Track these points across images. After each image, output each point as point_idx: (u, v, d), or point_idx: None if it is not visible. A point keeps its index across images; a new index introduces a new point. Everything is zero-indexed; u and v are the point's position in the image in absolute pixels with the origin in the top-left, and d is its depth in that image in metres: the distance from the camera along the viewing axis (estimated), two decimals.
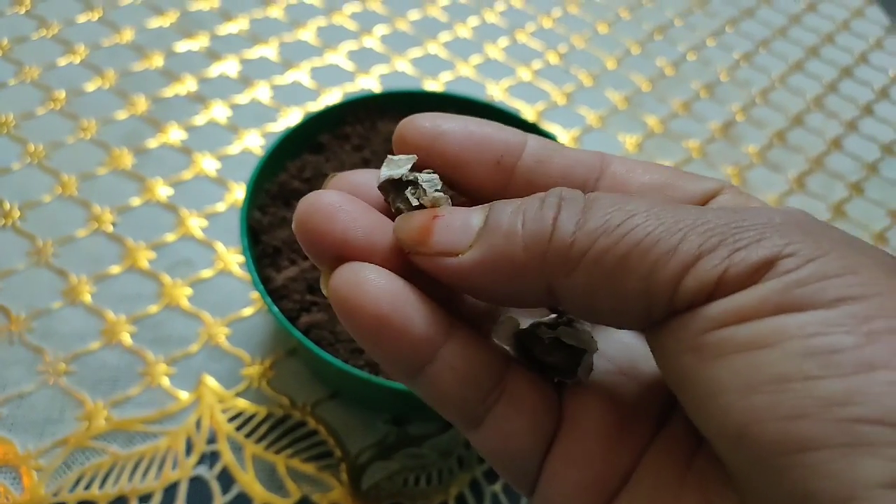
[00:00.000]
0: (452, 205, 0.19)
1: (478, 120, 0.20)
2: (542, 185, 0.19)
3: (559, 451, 0.18)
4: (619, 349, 0.20)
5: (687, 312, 0.15)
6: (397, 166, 0.19)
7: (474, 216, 0.17)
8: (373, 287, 0.17)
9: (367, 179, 0.20)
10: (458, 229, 0.17)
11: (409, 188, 0.18)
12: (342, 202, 0.18)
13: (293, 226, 0.18)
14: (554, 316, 0.19)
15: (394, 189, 0.19)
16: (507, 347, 0.19)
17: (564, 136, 0.50)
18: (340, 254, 0.18)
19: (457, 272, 0.17)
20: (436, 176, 0.19)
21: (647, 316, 0.16)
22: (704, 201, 0.19)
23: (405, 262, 0.18)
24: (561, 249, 0.16)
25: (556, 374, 0.19)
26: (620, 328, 0.18)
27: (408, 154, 0.19)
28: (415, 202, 0.18)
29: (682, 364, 0.15)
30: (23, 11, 0.51)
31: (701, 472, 0.17)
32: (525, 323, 0.19)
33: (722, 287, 0.15)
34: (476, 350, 0.18)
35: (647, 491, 0.17)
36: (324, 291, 0.18)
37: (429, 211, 0.18)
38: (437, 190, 0.18)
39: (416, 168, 0.19)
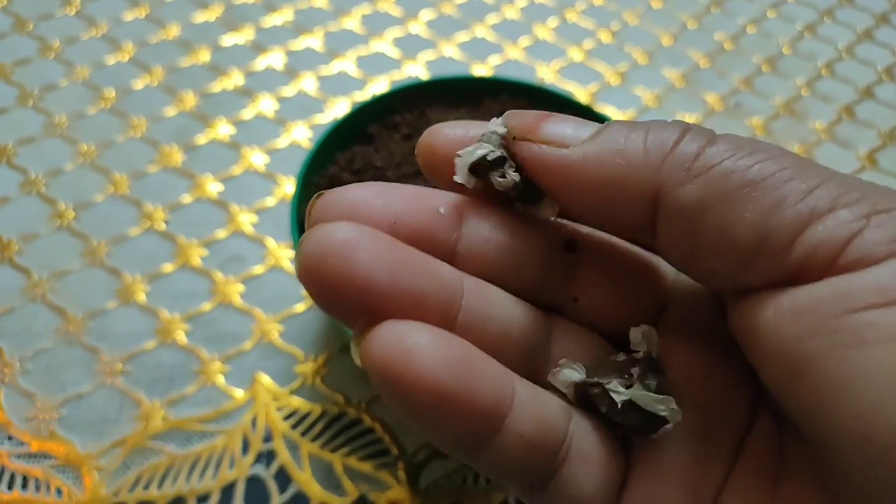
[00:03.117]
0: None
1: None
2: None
3: (635, 498, 0.16)
4: (690, 374, 0.18)
5: (811, 286, 0.13)
6: (488, 139, 0.17)
7: (590, 124, 0.17)
8: (427, 355, 0.14)
9: (367, 196, 0.16)
10: (573, 126, 0.16)
11: (500, 168, 0.17)
12: (360, 238, 0.14)
13: (297, 272, 0.15)
14: (623, 359, 0.17)
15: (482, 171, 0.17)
16: (566, 392, 0.17)
17: (620, 117, 0.48)
18: (369, 307, 0.14)
19: (564, 164, 0.16)
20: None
21: (749, 262, 0.14)
22: None
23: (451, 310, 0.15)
24: (685, 157, 0.15)
25: (626, 432, 0.17)
26: (709, 282, 0.16)
27: (431, 166, 0.18)
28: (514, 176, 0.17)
29: (805, 350, 0.13)
30: (73, 13, 0.51)
31: (793, 494, 0.15)
32: (583, 371, 0.17)
33: (853, 253, 0.13)
34: (542, 409, 0.16)
35: None
36: (354, 358, 0.15)
37: (543, 112, 0.17)
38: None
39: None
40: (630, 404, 0.16)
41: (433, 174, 0.18)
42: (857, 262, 0.13)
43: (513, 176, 0.17)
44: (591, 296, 0.18)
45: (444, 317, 0.15)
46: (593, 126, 0.16)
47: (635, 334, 0.17)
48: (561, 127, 0.16)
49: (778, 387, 0.15)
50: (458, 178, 0.17)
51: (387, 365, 0.14)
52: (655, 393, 0.16)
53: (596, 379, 0.16)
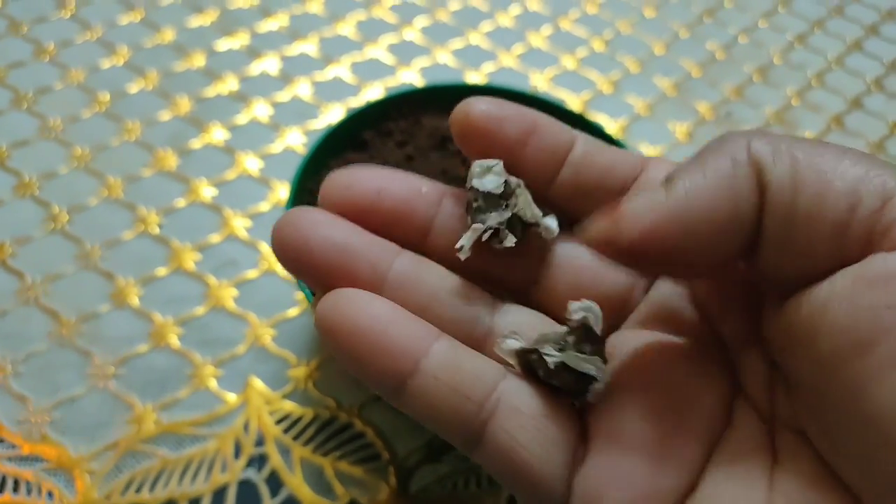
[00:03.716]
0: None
1: (534, 112, 0.20)
2: (587, 179, 0.20)
3: (593, 470, 0.17)
4: (654, 359, 0.19)
5: (888, 254, 0.14)
6: (489, 173, 0.19)
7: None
8: (352, 311, 0.17)
9: (364, 174, 0.20)
10: (642, 196, 0.17)
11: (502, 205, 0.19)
12: (318, 223, 0.19)
13: (272, 245, 0.19)
14: (564, 331, 0.18)
15: (483, 199, 0.19)
16: (513, 364, 0.18)
17: (611, 125, 0.48)
18: (314, 274, 0.19)
19: (664, 212, 0.16)
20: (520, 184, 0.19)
21: (842, 234, 0.15)
22: None
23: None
24: (771, 142, 0.16)
25: (564, 396, 0.18)
26: (797, 270, 0.16)
27: (466, 137, 0.19)
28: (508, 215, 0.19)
29: (883, 320, 0.13)
30: (67, 16, 0.52)
31: (792, 482, 0.15)
32: (530, 340, 0.18)
33: None
34: (463, 360, 0.17)
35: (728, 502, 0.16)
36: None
37: (610, 208, 0.17)
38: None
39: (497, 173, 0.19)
40: (563, 366, 0.17)
41: (465, 142, 0.19)
42: None
43: (509, 242, 0.19)
44: (553, 281, 0.20)
45: (373, 279, 0.19)
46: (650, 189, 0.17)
47: (574, 305, 0.18)
48: (636, 207, 0.17)
49: (830, 365, 0.14)
50: (459, 250, 0.19)
51: (323, 321, 0.17)
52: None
53: (534, 346, 0.18)
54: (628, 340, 0.19)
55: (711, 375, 0.18)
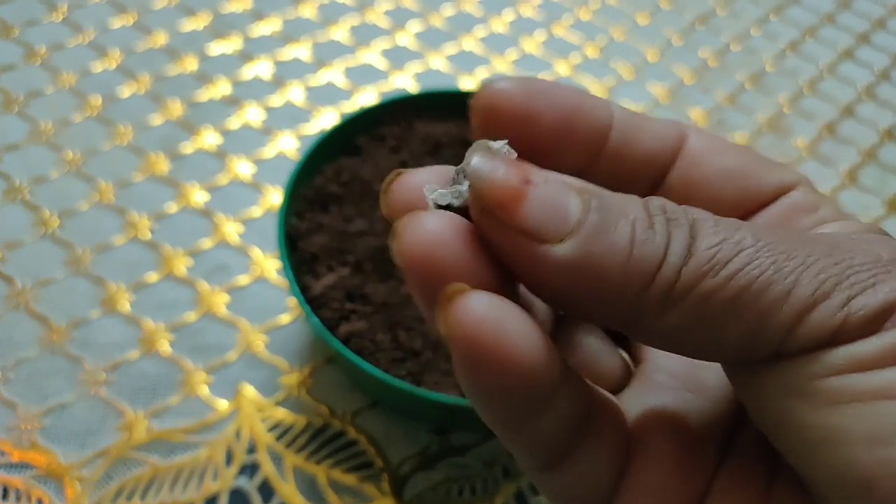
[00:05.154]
0: None
1: (564, 88, 0.17)
2: (627, 166, 0.18)
3: (632, 481, 0.17)
4: (680, 362, 0.19)
5: (794, 357, 0.14)
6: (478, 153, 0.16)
7: (572, 200, 0.14)
8: (519, 332, 0.14)
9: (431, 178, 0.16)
10: (554, 211, 0.14)
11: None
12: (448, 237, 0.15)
13: (394, 254, 0.15)
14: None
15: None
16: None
17: None
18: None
19: (541, 264, 0.14)
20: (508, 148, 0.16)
21: (745, 357, 0.15)
22: (777, 195, 0.18)
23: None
24: (664, 286, 0.14)
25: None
26: (708, 361, 0.16)
27: (490, 127, 0.16)
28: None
29: (788, 408, 0.14)
30: (59, 19, 0.51)
31: (786, 498, 0.16)
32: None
33: (839, 336, 0.14)
34: (578, 386, 0.16)
35: None
36: (439, 322, 0.14)
37: (520, 166, 0.15)
38: None
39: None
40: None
41: (489, 132, 0.17)
42: (839, 341, 0.14)
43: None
44: None
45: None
46: (575, 202, 0.14)
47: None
48: (541, 211, 0.14)
49: (764, 432, 0.15)
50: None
51: (475, 335, 0.14)
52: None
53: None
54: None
55: (724, 381, 0.18)
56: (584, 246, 0.14)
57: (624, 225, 0.14)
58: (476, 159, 0.14)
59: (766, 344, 0.14)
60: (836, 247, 0.15)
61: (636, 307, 0.14)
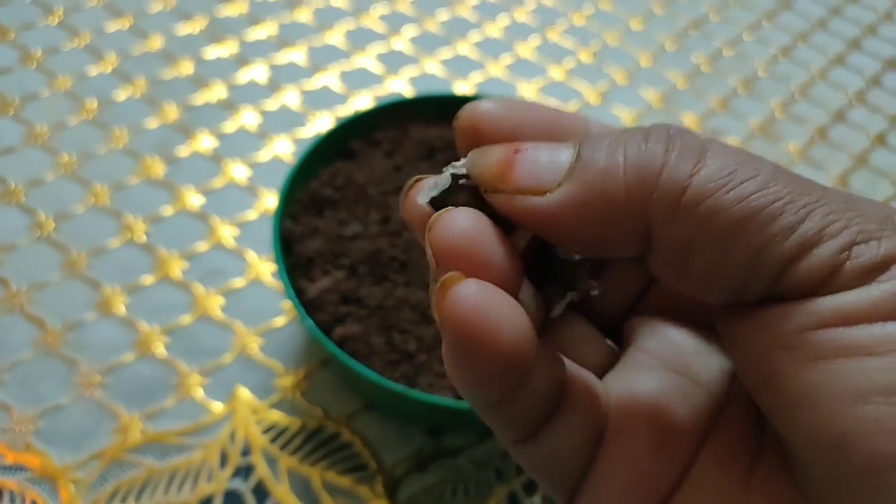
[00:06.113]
0: None
1: (541, 105, 0.18)
2: None
3: (606, 453, 0.17)
4: (667, 347, 0.19)
5: (784, 304, 0.14)
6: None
7: (562, 151, 0.16)
8: (507, 319, 0.15)
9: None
10: (545, 165, 0.15)
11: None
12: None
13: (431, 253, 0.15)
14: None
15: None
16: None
17: None
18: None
19: (543, 214, 0.15)
20: None
21: (740, 290, 0.15)
22: None
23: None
24: (671, 193, 0.14)
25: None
26: (701, 297, 0.16)
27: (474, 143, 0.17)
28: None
29: (772, 361, 0.14)
30: (55, 23, 0.51)
31: (767, 478, 0.16)
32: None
33: (834, 280, 0.14)
34: (553, 365, 0.17)
35: (709, 494, 0.16)
36: (435, 307, 0.15)
37: (509, 145, 0.16)
38: None
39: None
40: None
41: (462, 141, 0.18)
42: (831, 288, 0.14)
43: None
44: None
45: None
46: (567, 152, 0.16)
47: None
48: (532, 169, 0.15)
49: (750, 391, 0.16)
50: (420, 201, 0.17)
51: (466, 321, 0.15)
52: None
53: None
54: (642, 326, 0.19)
55: (715, 356, 0.18)
56: (580, 178, 0.15)
57: (612, 147, 0.15)
58: (470, 155, 0.16)
59: (764, 275, 0.14)
60: (851, 198, 0.15)
61: (644, 221, 0.15)
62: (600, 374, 0.19)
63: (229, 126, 0.46)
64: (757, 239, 0.14)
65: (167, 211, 0.42)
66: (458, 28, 0.55)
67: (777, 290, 0.14)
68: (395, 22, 0.55)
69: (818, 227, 0.14)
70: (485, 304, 0.15)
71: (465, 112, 0.17)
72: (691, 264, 0.15)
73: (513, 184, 0.15)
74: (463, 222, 0.15)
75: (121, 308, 0.38)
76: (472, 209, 0.16)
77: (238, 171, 0.44)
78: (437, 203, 0.17)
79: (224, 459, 0.33)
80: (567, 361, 0.18)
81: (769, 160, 0.15)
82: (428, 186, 0.17)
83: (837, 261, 0.14)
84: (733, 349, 0.16)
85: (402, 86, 0.50)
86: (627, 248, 0.16)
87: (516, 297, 0.15)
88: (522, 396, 0.16)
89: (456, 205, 0.16)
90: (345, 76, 0.50)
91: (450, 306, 0.15)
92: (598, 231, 0.15)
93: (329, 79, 0.50)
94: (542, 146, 0.16)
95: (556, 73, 0.53)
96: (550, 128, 0.18)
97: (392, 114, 0.40)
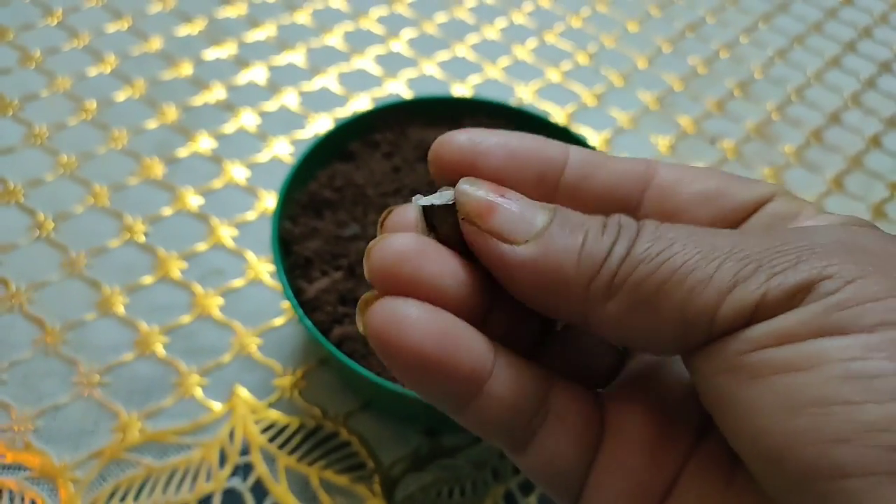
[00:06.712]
0: None
1: (518, 134, 0.20)
2: (586, 201, 0.19)
3: (603, 461, 0.18)
4: (664, 358, 0.19)
5: (725, 336, 0.15)
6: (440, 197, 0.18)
7: (539, 214, 0.17)
8: (413, 326, 0.16)
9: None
10: (521, 220, 0.17)
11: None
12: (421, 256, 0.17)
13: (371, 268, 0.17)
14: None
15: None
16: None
17: (595, 138, 0.49)
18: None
19: (507, 261, 0.17)
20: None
21: (683, 343, 0.16)
22: (756, 208, 0.19)
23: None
24: (606, 277, 0.16)
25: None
26: (657, 354, 0.18)
27: (443, 175, 0.19)
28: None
29: (718, 385, 0.15)
30: (54, 23, 0.52)
31: (741, 489, 0.16)
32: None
33: (760, 312, 0.15)
34: (520, 375, 0.18)
35: (692, 502, 0.17)
36: (359, 325, 0.17)
37: (498, 188, 0.18)
38: None
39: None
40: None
41: (443, 180, 0.19)
42: (761, 318, 0.15)
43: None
44: None
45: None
46: (543, 216, 0.17)
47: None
48: (509, 218, 0.17)
49: (711, 414, 0.17)
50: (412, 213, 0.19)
51: (380, 333, 0.16)
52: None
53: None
54: None
55: None
56: (544, 245, 0.17)
57: (578, 231, 0.17)
58: (462, 182, 0.18)
59: (697, 328, 0.15)
60: (774, 236, 0.16)
61: (585, 298, 0.16)
62: (610, 381, 0.20)
63: (228, 127, 0.47)
64: (677, 296, 0.15)
65: (167, 211, 0.42)
66: (456, 30, 0.55)
67: (715, 332, 0.15)
68: (393, 24, 0.55)
69: (731, 274, 0.15)
70: (392, 318, 0.16)
71: (434, 146, 0.19)
72: (630, 333, 0.17)
73: (488, 224, 0.17)
74: (396, 245, 0.17)
75: (120, 308, 0.38)
76: (411, 234, 0.17)
77: (237, 172, 0.44)
78: (428, 213, 0.18)
79: (223, 458, 0.34)
80: (552, 371, 0.19)
81: (692, 226, 0.17)
82: (429, 196, 0.18)
83: (755, 295, 0.15)
84: (693, 377, 0.17)
85: (400, 87, 0.50)
86: (569, 318, 0.17)
87: (473, 310, 0.17)
88: (487, 405, 0.17)
89: (444, 223, 0.18)
90: (343, 78, 0.51)
91: (367, 321, 0.16)
92: (545, 296, 0.17)
93: (328, 80, 0.50)
94: (524, 201, 0.18)
95: (553, 75, 0.53)
96: (513, 153, 0.19)
97: (390, 115, 0.40)
